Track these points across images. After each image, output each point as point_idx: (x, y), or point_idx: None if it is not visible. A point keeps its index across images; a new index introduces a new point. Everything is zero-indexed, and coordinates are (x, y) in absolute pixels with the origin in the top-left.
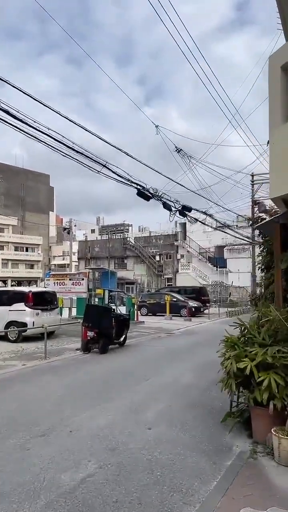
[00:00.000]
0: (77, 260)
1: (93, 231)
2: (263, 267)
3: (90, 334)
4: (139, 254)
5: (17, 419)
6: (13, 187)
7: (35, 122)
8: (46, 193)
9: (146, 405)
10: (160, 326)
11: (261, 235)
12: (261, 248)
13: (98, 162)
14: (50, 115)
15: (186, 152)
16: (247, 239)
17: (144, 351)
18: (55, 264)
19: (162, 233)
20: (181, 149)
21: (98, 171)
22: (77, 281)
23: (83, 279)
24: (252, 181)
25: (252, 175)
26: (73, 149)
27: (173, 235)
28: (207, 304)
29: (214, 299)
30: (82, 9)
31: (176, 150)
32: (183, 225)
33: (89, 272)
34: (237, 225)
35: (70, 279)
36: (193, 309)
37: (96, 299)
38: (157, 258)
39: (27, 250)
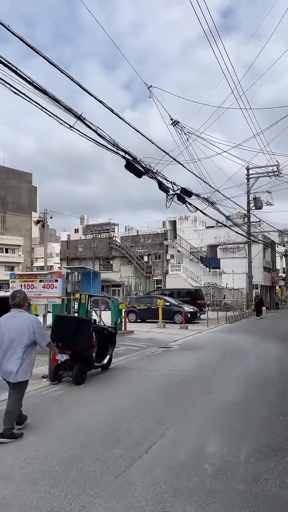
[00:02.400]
0: (59, 261)
1: (76, 230)
2: None
3: (61, 357)
4: (126, 254)
5: None
6: None
7: None
8: (28, 193)
9: None
10: (152, 337)
11: None
12: None
13: (71, 112)
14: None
15: (185, 125)
16: (245, 235)
17: (136, 380)
18: (37, 266)
19: (150, 232)
20: (177, 121)
21: (71, 126)
22: (49, 283)
23: (56, 281)
24: (248, 175)
25: (248, 169)
26: (36, 87)
27: (162, 234)
28: (203, 309)
29: (208, 302)
30: (69, 13)
31: (172, 123)
32: (173, 223)
33: (67, 273)
34: (230, 221)
35: (40, 281)
36: (189, 315)
37: (76, 305)
38: (145, 258)
39: (7, 252)
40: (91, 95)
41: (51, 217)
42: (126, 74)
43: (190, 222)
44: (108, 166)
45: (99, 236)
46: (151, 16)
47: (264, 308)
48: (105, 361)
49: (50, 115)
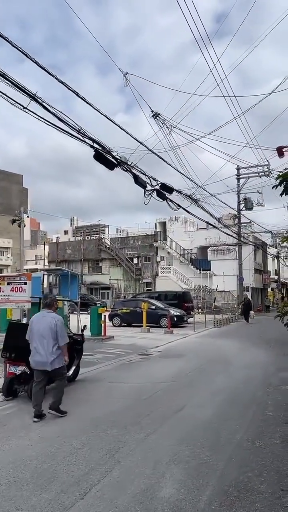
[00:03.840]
0: (48, 264)
1: (66, 232)
2: None
3: (16, 369)
4: (115, 256)
5: None
6: None
7: None
8: (18, 194)
9: None
10: (133, 343)
11: None
12: None
13: (24, 91)
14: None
15: (165, 117)
16: (235, 236)
17: (101, 396)
18: (26, 269)
19: (140, 234)
20: (158, 113)
21: (24, 107)
22: (18, 286)
23: (25, 283)
24: (238, 175)
25: (238, 169)
26: None
27: (152, 236)
28: (191, 312)
29: (199, 305)
30: (64, 18)
31: (152, 116)
32: (163, 224)
33: (44, 275)
34: (219, 222)
35: (8, 283)
36: (175, 319)
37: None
38: (135, 260)
39: None
40: (75, 93)
41: (27, 216)
42: (121, 78)
43: (180, 223)
44: (100, 168)
45: (88, 237)
46: (147, 21)
47: (252, 312)
48: (70, 372)
49: None
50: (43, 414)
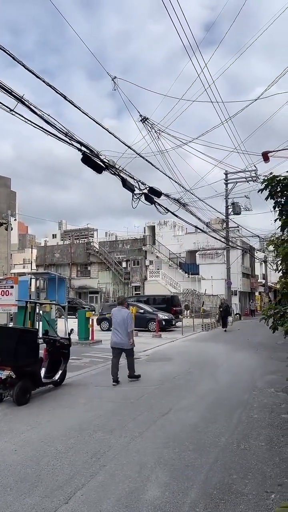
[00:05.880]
0: (36, 268)
1: (54, 236)
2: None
3: (1, 374)
4: (104, 260)
5: None
6: None
7: None
8: (6, 198)
9: None
10: None
11: (277, 206)
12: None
13: (11, 94)
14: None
15: (154, 122)
16: (223, 241)
17: (87, 400)
18: (14, 273)
19: (129, 238)
20: (147, 118)
21: (11, 109)
22: (4, 290)
23: (12, 287)
24: (226, 180)
25: (226, 173)
26: None
27: (141, 240)
28: (179, 316)
29: (187, 308)
30: (56, 23)
31: (141, 120)
32: (152, 228)
33: (31, 279)
34: (207, 226)
35: None
36: (164, 322)
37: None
38: (124, 264)
39: None
40: (63, 96)
41: (15, 220)
42: (110, 84)
43: (169, 227)
44: (89, 172)
45: (77, 241)
46: (139, 27)
47: (230, 318)
48: (57, 376)
49: None
50: (118, 380)
